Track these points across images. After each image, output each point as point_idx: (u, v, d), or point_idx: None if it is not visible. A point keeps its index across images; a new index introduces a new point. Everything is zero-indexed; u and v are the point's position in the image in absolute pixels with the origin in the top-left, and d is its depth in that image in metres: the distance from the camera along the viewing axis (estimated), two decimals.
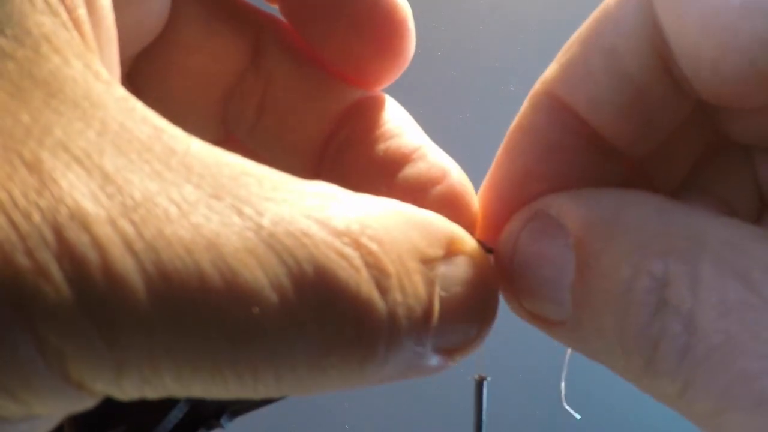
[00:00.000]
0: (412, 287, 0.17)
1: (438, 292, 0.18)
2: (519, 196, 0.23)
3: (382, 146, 0.25)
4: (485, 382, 0.26)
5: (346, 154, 0.26)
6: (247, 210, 0.15)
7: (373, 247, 0.16)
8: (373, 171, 0.25)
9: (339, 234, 0.16)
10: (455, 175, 0.25)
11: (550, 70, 0.23)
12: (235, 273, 0.14)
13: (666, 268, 0.18)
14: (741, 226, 0.18)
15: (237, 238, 0.14)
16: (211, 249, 0.14)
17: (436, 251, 0.18)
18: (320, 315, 0.15)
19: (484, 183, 0.24)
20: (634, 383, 0.19)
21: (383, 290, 0.16)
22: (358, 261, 0.16)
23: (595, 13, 0.21)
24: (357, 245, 0.16)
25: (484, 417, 0.26)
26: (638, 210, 0.20)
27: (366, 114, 0.26)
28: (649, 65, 0.21)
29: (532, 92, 0.23)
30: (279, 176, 0.16)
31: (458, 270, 0.19)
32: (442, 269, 0.18)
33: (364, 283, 0.16)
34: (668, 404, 0.19)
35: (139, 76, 0.25)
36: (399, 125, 0.26)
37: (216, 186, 0.15)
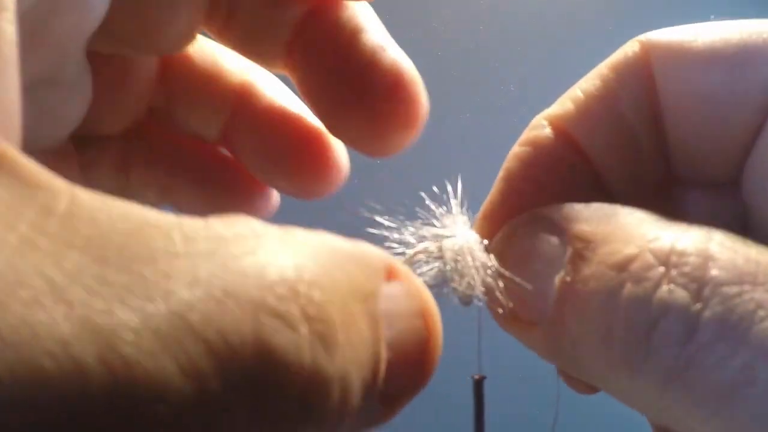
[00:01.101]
0: (358, 335, 0.14)
1: (384, 334, 0.15)
2: (523, 202, 0.23)
3: (342, 49, 0.24)
4: (484, 382, 0.26)
5: (312, 53, 0.25)
6: (150, 274, 0.12)
7: (315, 294, 0.13)
8: (334, 73, 0.24)
9: (272, 286, 0.13)
10: (407, 76, 0.24)
11: (554, 105, 0.25)
12: (129, 364, 0.11)
13: (672, 248, 0.18)
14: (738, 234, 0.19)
15: (133, 316, 0.11)
16: (97, 336, 0.11)
17: (376, 283, 0.16)
18: (255, 398, 0.12)
19: (491, 191, 0.25)
20: (608, 377, 0.19)
21: (330, 348, 0.13)
22: (297, 317, 0.13)
23: (601, 65, 0.24)
24: (295, 296, 0.13)
25: (485, 417, 0.25)
26: (640, 212, 0.20)
27: (328, 13, 0.25)
28: (643, 116, 0.23)
29: (534, 121, 0.25)
30: (190, 224, 0.13)
31: (400, 301, 0.16)
32: (384, 305, 0.16)
33: (306, 347, 0.13)
34: (643, 395, 0.18)
35: None
36: (357, 24, 0.25)
37: (108, 247, 0.12)
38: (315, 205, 0.29)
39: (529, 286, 0.21)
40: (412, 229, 0.24)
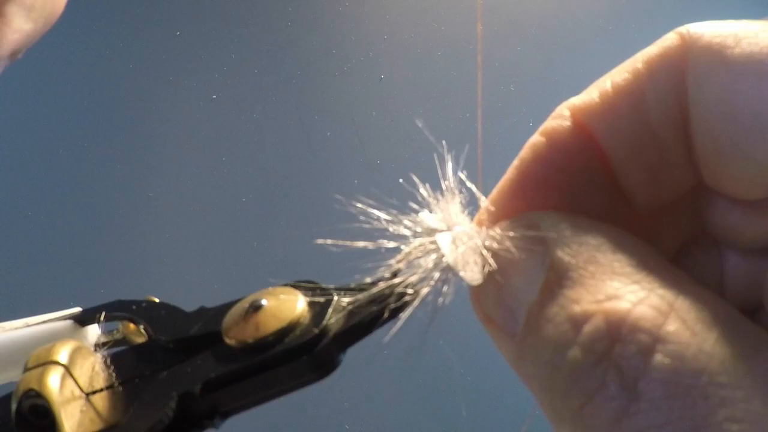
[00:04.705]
0: None
1: None
2: (531, 198, 0.23)
3: None
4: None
5: None
6: None
7: None
8: None
9: None
10: None
11: (581, 94, 0.23)
12: None
13: (626, 316, 0.17)
14: (718, 303, 0.18)
15: None
16: None
17: None
18: None
19: (502, 179, 0.24)
20: (555, 426, 0.19)
21: None
22: None
23: (637, 56, 0.22)
24: None
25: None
26: (622, 254, 0.19)
27: None
28: (670, 120, 0.21)
29: (557, 109, 0.23)
30: None
31: None
32: None
33: None
34: None
35: None
36: None
37: None
38: (311, 200, 0.29)
39: (505, 301, 0.21)
40: (408, 222, 0.24)
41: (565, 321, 0.18)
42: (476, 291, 0.22)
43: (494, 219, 0.23)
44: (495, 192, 0.24)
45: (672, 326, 0.17)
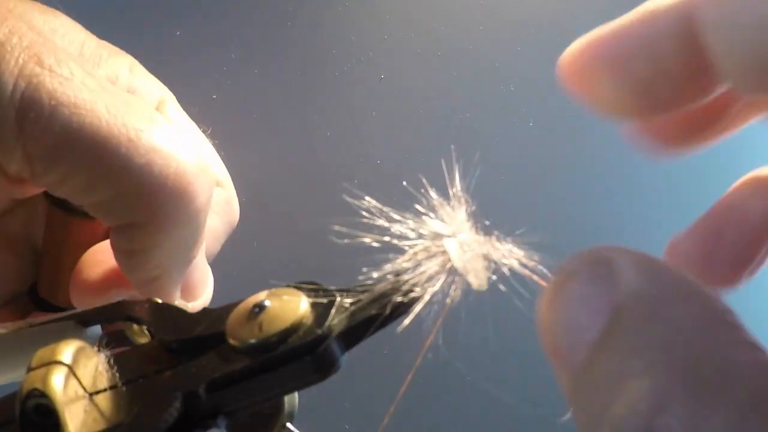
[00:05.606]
0: None
1: None
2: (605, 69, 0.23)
3: None
4: None
5: None
6: None
7: None
8: None
9: None
10: None
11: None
12: None
13: (672, 393, 0.16)
14: None
15: None
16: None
17: None
18: None
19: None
20: None
21: None
22: None
23: None
24: None
25: None
26: (689, 311, 0.17)
27: None
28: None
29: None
30: None
31: None
32: None
33: None
34: None
35: None
36: None
37: None
38: (311, 200, 0.29)
39: (560, 334, 0.19)
40: (411, 224, 0.24)
41: (611, 371, 0.17)
42: (545, 313, 0.21)
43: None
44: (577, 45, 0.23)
45: (723, 406, 0.15)
